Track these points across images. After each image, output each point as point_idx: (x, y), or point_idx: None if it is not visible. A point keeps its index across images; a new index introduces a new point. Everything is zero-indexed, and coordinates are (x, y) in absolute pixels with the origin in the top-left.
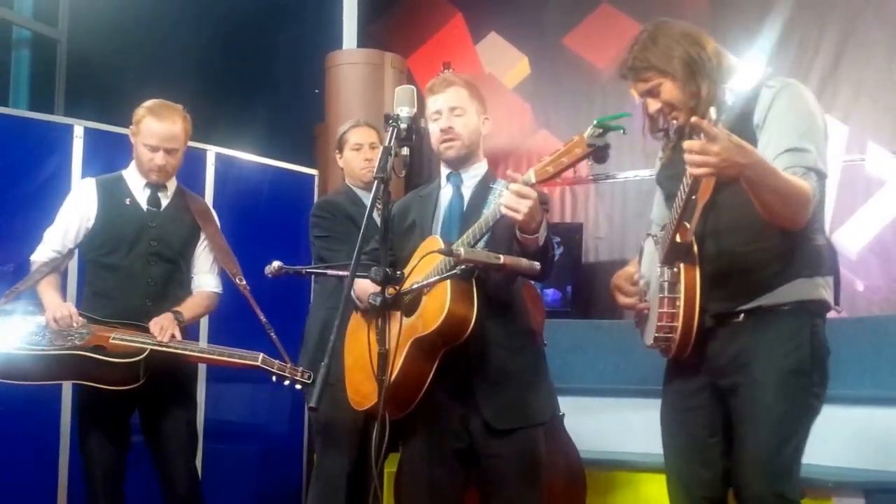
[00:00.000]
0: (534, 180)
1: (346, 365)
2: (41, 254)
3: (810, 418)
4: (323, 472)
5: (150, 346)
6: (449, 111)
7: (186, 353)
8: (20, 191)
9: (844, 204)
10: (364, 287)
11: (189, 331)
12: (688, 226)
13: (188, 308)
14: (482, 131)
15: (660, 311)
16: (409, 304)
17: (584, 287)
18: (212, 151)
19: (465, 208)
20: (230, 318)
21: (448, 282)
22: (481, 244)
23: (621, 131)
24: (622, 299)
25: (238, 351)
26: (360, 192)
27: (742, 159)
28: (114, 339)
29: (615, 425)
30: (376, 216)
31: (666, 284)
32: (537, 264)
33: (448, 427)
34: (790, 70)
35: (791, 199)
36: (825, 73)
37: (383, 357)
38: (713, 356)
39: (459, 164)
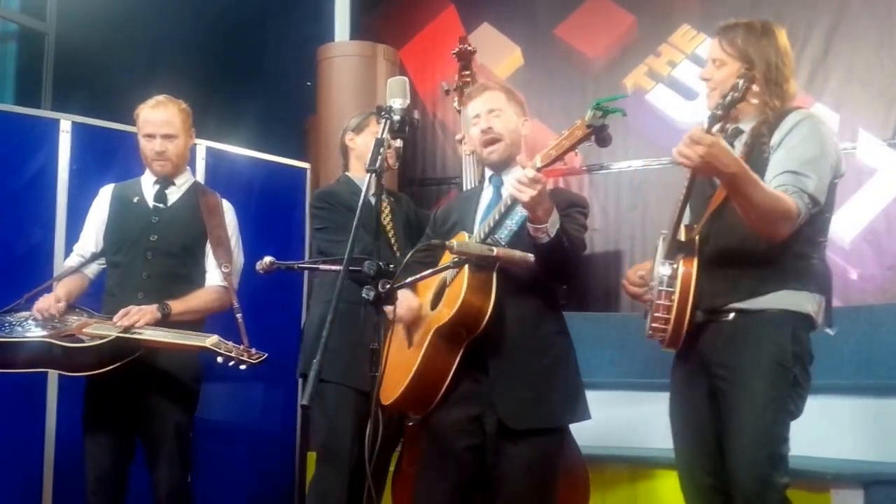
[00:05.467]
0: (539, 164)
1: (388, 366)
2: (69, 259)
3: (790, 410)
4: (320, 486)
5: (114, 334)
6: (487, 112)
7: (144, 339)
8: (5, 186)
9: (836, 193)
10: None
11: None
12: (695, 226)
13: (182, 301)
14: (522, 132)
15: (657, 302)
16: (434, 298)
17: (580, 279)
18: (202, 145)
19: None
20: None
21: (466, 273)
22: (505, 237)
23: (621, 114)
24: (630, 289)
25: (191, 334)
26: (359, 182)
27: (722, 168)
28: (86, 329)
29: (610, 420)
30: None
31: (665, 278)
32: (531, 256)
33: (461, 423)
34: None
35: (769, 213)
36: (815, 60)
37: (376, 353)
38: (704, 351)
39: (502, 166)
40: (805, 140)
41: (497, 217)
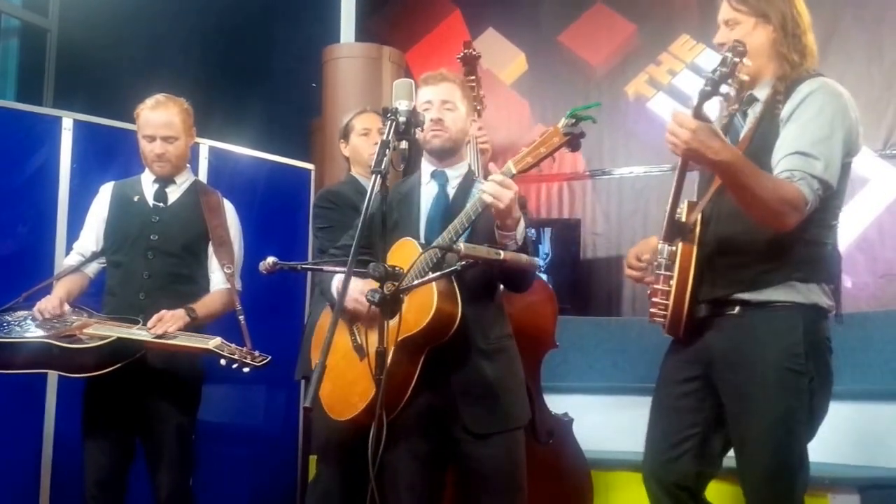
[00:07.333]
0: (514, 170)
1: (340, 377)
2: (69, 257)
3: (812, 417)
4: (319, 486)
5: (115, 335)
6: (440, 103)
7: (147, 341)
8: (6, 184)
9: (849, 174)
10: (352, 286)
11: None
12: (697, 203)
13: (203, 305)
14: (470, 130)
15: (655, 286)
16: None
17: (582, 283)
18: (205, 145)
19: (450, 207)
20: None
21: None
22: (462, 240)
23: (591, 121)
24: (629, 272)
25: (194, 336)
26: (364, 182)
27: (711, 154)
28: (86, 329)
29: (614, 423)
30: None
31: (664, 262)
32: (537, 260)
33: (428, 428)
34: None
35: (768, 203)
36: None
37: (381, 356)
38: (707, 347)
39: (444, 157)
40: (816, 115)
41: (466, 223)
